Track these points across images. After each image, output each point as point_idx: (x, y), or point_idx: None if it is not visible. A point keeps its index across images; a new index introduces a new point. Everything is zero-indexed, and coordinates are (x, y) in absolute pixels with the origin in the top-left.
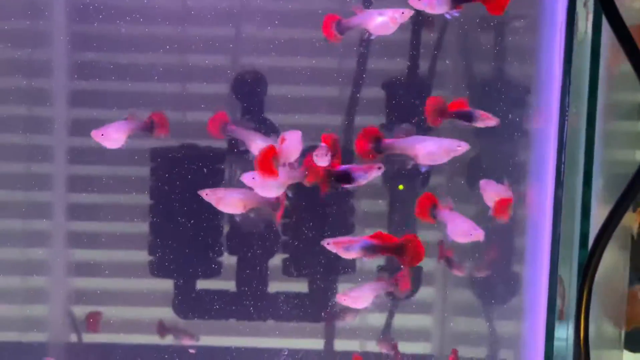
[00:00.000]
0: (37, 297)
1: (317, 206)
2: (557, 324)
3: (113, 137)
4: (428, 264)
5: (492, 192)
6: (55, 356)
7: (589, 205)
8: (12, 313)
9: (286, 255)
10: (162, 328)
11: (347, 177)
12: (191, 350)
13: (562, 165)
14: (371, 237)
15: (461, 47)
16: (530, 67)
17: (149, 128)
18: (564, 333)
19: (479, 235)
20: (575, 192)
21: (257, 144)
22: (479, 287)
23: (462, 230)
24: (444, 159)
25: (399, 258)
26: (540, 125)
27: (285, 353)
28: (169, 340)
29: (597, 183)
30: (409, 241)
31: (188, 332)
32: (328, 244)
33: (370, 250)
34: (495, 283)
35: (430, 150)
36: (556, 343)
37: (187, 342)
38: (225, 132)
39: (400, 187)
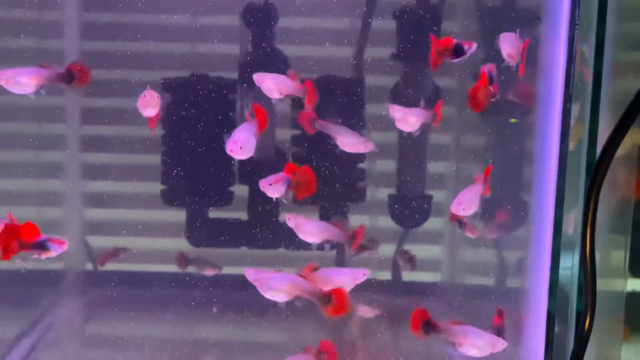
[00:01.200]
0: (52, 229)
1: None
2: (562, 253)
3: (21, 81)
4: (438, 195)
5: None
6: (72, 284)
7: (596, 133)
8: None
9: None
10: (183, 259)
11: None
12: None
13: (570, 96)
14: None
15: None
16: None
17: (65, 78)
18: (569, 262)
19: None
20: (583, 121)
21: (343, 138)
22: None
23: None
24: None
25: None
26: (549, 55)
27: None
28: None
29: (605, 113)
30: (303, 170)
31: (211, 262)
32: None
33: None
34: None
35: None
36: (561, 272)
37: (209, 272)
38: (313, 125)
39: None
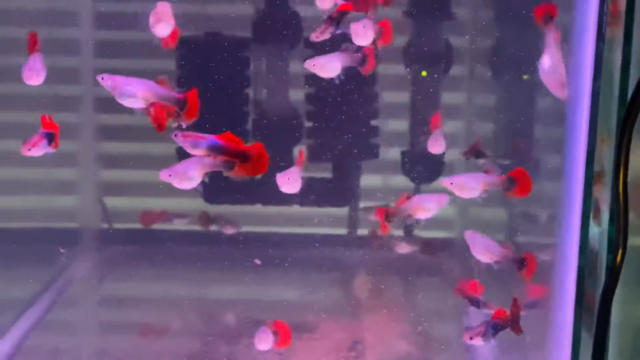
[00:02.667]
0: (67, 188)
1: (341, 92)
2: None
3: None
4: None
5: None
6: (86, 243)
7: (629, 62)
8: (44, 204)
9: (311, 141)
10: (206, 218)
11: None
12: (257, 261)
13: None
14: (220, 136)
15: None
16: None
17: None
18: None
19: None
20: (615, 50)
21: None
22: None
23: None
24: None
25: (243, 165)
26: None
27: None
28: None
29: (637, 38)
30: (255, 148)
31: (231, 220)
32: (176, 135)
33: (216, 150)
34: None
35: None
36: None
37: (229, 230)
38: None
39: (424, 73)
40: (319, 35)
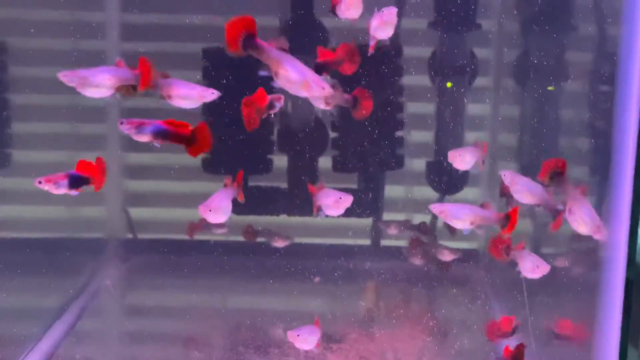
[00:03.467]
0: (93, 199)
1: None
2: None
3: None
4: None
5: None
6: (114, 251)
7: None
8: (70, 214)
9: (336, 152)
10: (251, 231)
11: None
12: (316, 279)
13: None
14: (164, 122)
15: None
16: None
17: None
18: None
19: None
20: None
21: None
22: None
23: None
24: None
25: (188, 147)
26: None
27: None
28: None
29: None
30: (199, 130)
31: (280, 234)
32: (121, 123)
33: (161, 135)
34: None
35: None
36: None
37: (279, 243)
38: None
39: (449, 84)
40: None
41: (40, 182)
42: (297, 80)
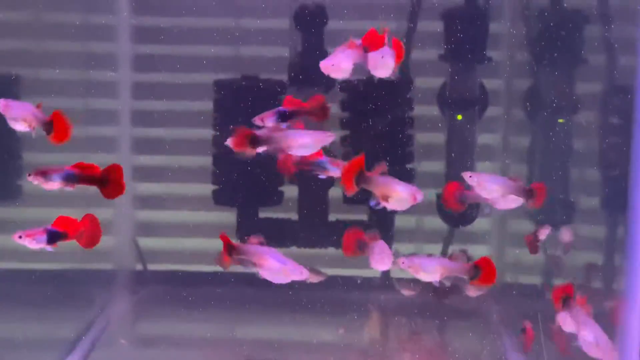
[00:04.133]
0: (103, 229)
1: (376, 136)
2: None
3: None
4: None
5: None
6: (123, 283)
7: None
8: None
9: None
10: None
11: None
12: (340, 331)
13: None
14: (72, 167)
15: None
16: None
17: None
18: None
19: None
20: None
21: None
22: None
23: None
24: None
25: (101, 189)
26: None
27: None
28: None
29: None
30: (111, 170)
31: (316, 269)
32: (29, 175)
33: (71, 179)
34: None
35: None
36: None
37: (313, 279)
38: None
39: (459, 117)
40: (261, 121)
41: (20, 237)
42: None
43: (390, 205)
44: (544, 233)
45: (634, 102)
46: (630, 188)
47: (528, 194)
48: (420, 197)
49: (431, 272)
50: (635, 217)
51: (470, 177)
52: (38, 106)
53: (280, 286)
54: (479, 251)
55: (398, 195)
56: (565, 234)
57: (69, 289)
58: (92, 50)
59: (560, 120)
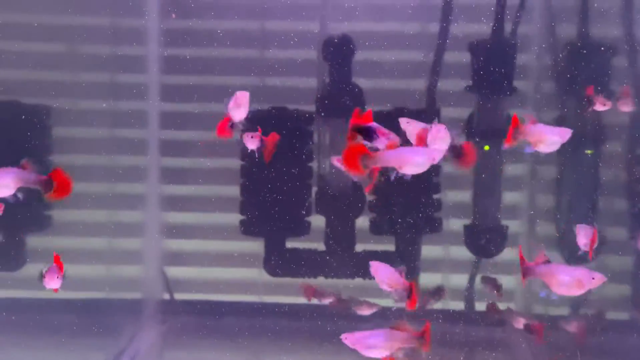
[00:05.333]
0: (131, 258)
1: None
2: None
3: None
4: (512, 225)
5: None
6: (151, 313)
7: None
8: (108, 272)
9: (373, 215)
10: (338, 299)
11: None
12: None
13: None
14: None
15: (545, 9)
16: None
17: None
18: None
19: None
20: None
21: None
22: None
23: None
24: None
25: (47, 193)
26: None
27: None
28: (264, 298)
29: None
30: (55, 175)
31: (367, 301)
32: None
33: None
34: None
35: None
36: None
37: (365, 311)
38: None
39: (486, 147)
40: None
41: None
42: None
43: (408, 171)
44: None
45: None
46: None
47: (456, 151)
48: (437, 155)
49: (378, 347)
50: None
51: (407, 122)
52: (24, 166)
53: (307, 316)
54: (505, 281)
55: (414, 162)
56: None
57: (98, 318)
58: (120, 80)
59: (589, 152)
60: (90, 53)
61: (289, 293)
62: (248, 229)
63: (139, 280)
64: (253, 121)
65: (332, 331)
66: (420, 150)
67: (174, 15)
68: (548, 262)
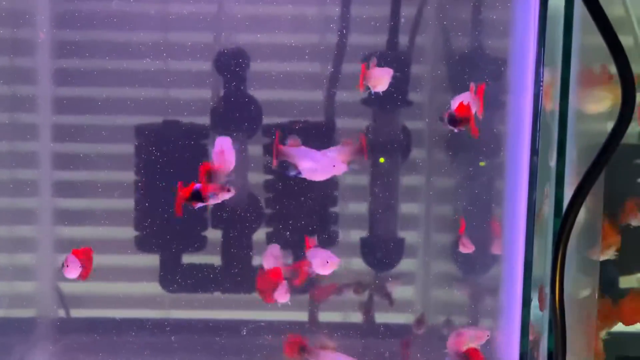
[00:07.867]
0: (24, 274)
1: (299, 179)
2: (533, 294)
3: None
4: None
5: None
6: (44, 331)
7: (563, 175)
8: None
9: (270, 229)
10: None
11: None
12: None
13: (537, 136)
14: None
15: (439, 21)
16: (505, 40)
17: None
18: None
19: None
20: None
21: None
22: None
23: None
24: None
25: None
26: (515, 97)
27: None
28: (160, 314)
29: (570, 154)
30: None
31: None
32: None
33: None
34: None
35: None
36: (533, 311)
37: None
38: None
39: (382, 160)
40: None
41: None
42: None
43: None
44: None
45: None
46: None
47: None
48: (341, 166)
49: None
50: None
51: None
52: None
53: (206, 333)
54: (403, 293)
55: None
56: None
57: None
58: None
59: (482, 164)
60: None
61: (195, 307)
62: (143, 244)
63: (32, 297)
64: (147, 134)
65: (244, 348)
66: (324, 156)
67: (42, 35)
68: None
